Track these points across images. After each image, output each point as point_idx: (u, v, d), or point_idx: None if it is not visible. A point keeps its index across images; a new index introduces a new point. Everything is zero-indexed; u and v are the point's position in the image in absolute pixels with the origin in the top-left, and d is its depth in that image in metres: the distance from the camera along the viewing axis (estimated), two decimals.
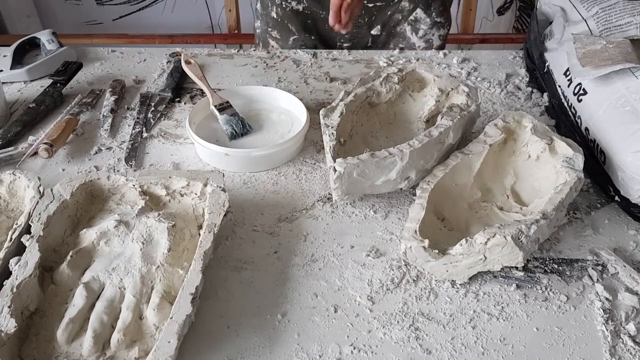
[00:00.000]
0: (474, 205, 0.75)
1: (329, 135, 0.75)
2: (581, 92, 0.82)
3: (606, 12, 0.87)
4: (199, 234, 0.68)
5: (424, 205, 0.69)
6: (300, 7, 1.20)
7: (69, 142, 0.89)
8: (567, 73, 0.87)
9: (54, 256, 0.65)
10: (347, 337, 0.61)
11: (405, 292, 0.65)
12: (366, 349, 0.59)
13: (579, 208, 0.77)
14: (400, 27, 1.21)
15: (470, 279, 0.66)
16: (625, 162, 0.71)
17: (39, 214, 0.66)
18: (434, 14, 1.20)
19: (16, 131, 0.90)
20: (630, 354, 0.58)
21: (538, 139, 0.75)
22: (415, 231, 0.66)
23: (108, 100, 0.98)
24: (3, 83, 1.01)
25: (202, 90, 0.96)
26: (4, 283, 0.59)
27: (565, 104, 0.87)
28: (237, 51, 1.15)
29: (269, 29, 1.24)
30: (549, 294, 0.65)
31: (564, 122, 0.88)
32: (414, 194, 0.73)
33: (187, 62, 0.98)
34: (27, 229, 0.66)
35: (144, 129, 0.92)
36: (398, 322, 0.62)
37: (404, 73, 0.87)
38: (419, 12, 1.19)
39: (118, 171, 0.82)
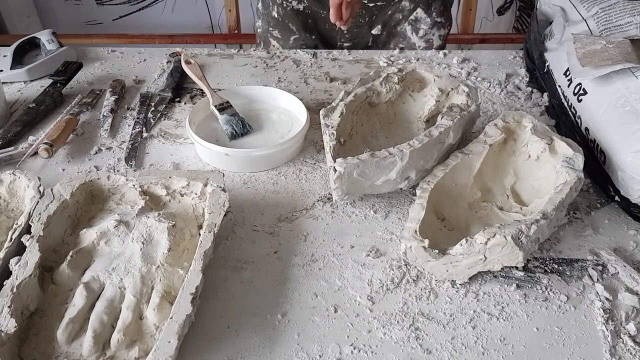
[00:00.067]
0: (474, 205, 0.75)
1: (329, 135, 0.75)
2: (581, 92, 0.82)
3: (606, 12, 0.87)
4: (199, 234, 0.68)
5: (424, 205, 0.69)
6: (301, 7, 1.20)
7: (69, 142, 0.89)
8: (567, 73, 0.87)
9: (54, 256, 0.65)
10: (347, 337, 0.61)
11: (405, 292, 0.65)
12: (366, 349, 0.59)
13: (579, 208, 0.77)
14: (400, 27, 1.22)
15: (470, 279, 0.66)
16: (625, 162, 0.71)
17: (39, 214, 0.66)
18: (434, 13, 1.20)
19: (16, 131, 0.90)
20: (630, 354, 0.58)
21: (538, 139, 0.75)
22: (415, 231, 0.66)
23: (108, 100, 0.98)
24: (3, 83, 1.01)
25: (202, 90, 0.96)
26: (4, 283, 0.59)
27: (565, 104, 0.87)
28: (237, 51, 1.15)
29: (270, 29, 1.24)
30: (549, 294, 0.65)
31: (564, 122, 0.88)
32: (414, 194, 0.73)
33: (187, 62, 0.98)
34: (27, 229, 0.66)
35: (144, 129, 0.92)
36: (398, 322, 0.62)
37: (404, 73, 0.87)
38: (419, 12, 1.19)
39: (118, 171, 0.82)
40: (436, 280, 0.66)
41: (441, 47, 1.23)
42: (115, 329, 0.57)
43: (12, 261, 0.62)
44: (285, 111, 0.93)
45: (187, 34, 2.20)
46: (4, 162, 0.84)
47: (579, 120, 0.83)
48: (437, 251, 0.64)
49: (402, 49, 1.17)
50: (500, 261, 0.64)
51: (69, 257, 0.64)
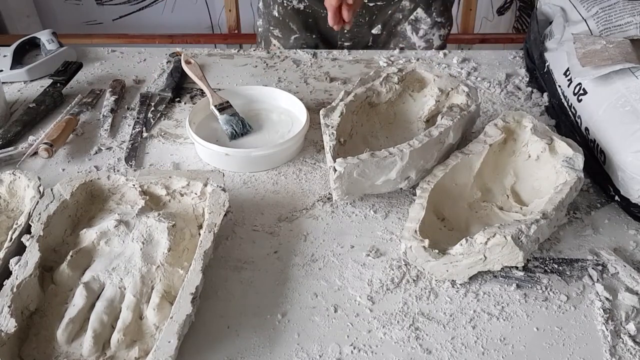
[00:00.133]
0: (474, 205, 0.75)
1: (329, 135, 0.75)
2: (581, 92, 0.82)
3: (606, 12, 0.87)
4: (199, 234, 0.68)
5: (424, 205, 0.69)
6: (302, 6, 1.20)
7: (69, 142, 0.89)
8: (567, 73, 0.87)
9: (54, 256, 0.65)
10: (347, 337, 0.61)
11: (405, 292, 0.65)
12: (366, 348, 0.59)
13: (579, 208, 0.77)
14: (400, 27, 1.22)
15: (470, 278, 0.66)
16: (625, 162, 0.71)
17: (39, 213, 0.66)
18: (434, 13, 1.20)
19: (16, 131, 0.90)
20: (631, 354, 0.58)
21: (538, 139, 0.75)
22: (415, 231, 0.66)
23: (108, 100, 0.98)
24: (3, 83, 1.01)
25: (202, 90, 0.96)
26: (4, 283, 0.59)
27: (565, 104, 0.87)
28: (237, 51, 1.15)
29: (271, 28, 1.24)
30: (549, 293, 0.65)
31: (564, 122, 0.88)
32: (414, 194, 0.73)
33: (187, 62, 0.98)
34: (27, 229, 0.66)
35: (144, 129, 0.92)
36: (398, 322, 0.62)
37: (404, 73, 0.87)
38: (419, 12, 1.19)
39: (118, 171, 0.82)
40: (436, 280, 0.66)
41: (441, 47, 1.23)
42: (115, 329, 0.57)
43: (12, 261, 0.62)
44: (285, 111, 0.93)
45: (187, 34, 2.20)
46: (4, 162, 0.84)
47: (579, 120, 0.83)
48: (437, 251, 0.64)
49: (402, 48, 1.17)
50: (500, 261, 0.64)
51: (69, 257, 0.64)
